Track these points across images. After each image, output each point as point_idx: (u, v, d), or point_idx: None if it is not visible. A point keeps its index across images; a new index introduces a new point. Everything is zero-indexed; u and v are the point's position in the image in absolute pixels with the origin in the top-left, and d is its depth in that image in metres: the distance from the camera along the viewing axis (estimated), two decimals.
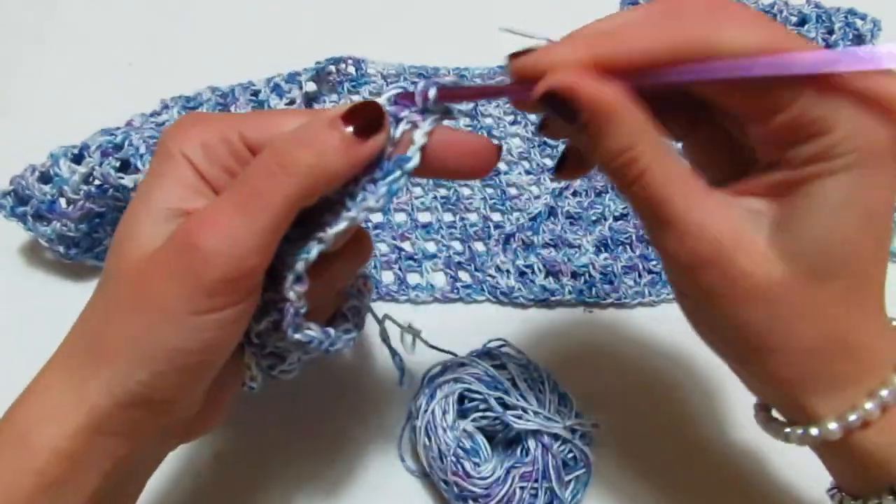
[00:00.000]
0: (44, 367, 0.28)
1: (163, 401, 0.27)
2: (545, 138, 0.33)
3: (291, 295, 0.29)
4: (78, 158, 0.43)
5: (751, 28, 0.25)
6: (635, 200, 0.28)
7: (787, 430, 0.29)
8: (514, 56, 0.28)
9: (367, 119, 0.27)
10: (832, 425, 0.27)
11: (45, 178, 0.44)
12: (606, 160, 0.27)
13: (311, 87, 0.52)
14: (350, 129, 0.27)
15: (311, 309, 0.31)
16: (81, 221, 0.44)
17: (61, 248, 0.45)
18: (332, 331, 0.32)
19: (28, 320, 0.45)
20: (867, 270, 0.27)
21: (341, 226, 0.28)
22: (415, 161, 0.28)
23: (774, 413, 0.31)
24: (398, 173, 0.28)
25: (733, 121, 0.29)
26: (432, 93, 0.28)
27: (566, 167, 0.33)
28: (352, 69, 0.54)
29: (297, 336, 0.30)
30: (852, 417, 0.27)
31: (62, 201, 0.43)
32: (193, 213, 0.27)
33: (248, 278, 0.27)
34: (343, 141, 0.27)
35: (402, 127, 0.29)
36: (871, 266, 0.27)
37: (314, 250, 0.28)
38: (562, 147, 0.33)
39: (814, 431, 0.28)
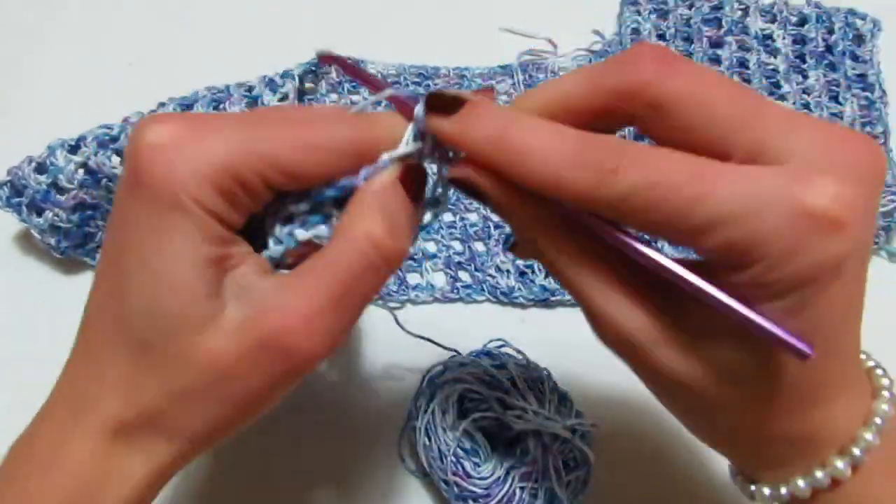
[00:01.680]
0: (73, 435, 0.26)
1: (217, 440, 0.28)
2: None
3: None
4: (74, 149, 0.44)
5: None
6: (554, 279, 0.28)
7: (752, 488, 0.29)
8: (431, 103, 0.26)
9: (418, 180, 0.28)
10: (766, 491, 0.28)
11: (41, 168, 0.44)
12: (519, 244, 0.28)
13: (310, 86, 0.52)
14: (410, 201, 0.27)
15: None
16: (74, 211, 0.44)
17: (52, 241, 0.45)
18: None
19: (21, 314, 0.45)
20: (800, 379, 0.25)
21: (308, 234, 0.27)
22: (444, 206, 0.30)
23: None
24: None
25: None
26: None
27: (518, 249, 0.31)
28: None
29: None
30: (782, 491, 0.27)
31: (56, 191, 0.44)
32: (274, 303, 0.25)
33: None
34: (409, 211, 0.27)
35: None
36: (805, 373, 0.24)
37: (280, 247, 0.27)
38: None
39: (751, 488, 0.28)
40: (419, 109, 0.26)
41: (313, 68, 0.52)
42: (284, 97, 0.49)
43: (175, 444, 0.26)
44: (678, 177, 0.22)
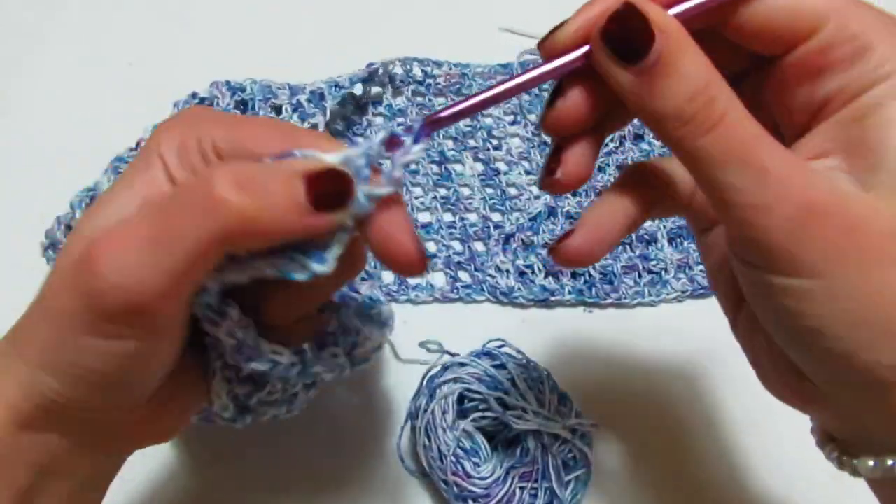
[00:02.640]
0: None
1: (81, 408, 0.26)
2: (547, 135, 0.28)
3: (219, 333, 0.27)
4: (94, 200, 0.43)
5: None
6: (716, 151, 0.23)
7: (870, 463, 0.25)
8: (550, 33, 0.25)
9: (332, 190, 0.24)
10: (870, 462, 0.24)
11: (70, 229, 0.43)
12: (679, 106, 0.23)
13: (357, 88, 0.51)
14: (304, 191, 0.23)
15: (285, 327, 0.29)
16: None
17: None
18: (308, 352, 0.30)
19: None
20: None
21: (243, 276, 0.25)
22: (327, 267, 0.25)
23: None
24: (307, 270, 0.25)
25: (769, 89, 0.26)
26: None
27: (558, 171, 0.27)
28: (399, 69, 0.54)
29: (254, 364, 0.27)
30: (889, 462, 0.24)
31: None
32: (106, 228, 0.24)
33: (151, 316, 0.24)
34: (295, 204, 0.23)
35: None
36: None
37: (212, 292, 0.26)
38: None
39: (854, 462, 0.25)
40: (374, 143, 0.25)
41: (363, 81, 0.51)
42: (314, 128, 0.47)
43: (20, 373, 0.25)
44: None
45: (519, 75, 0.25)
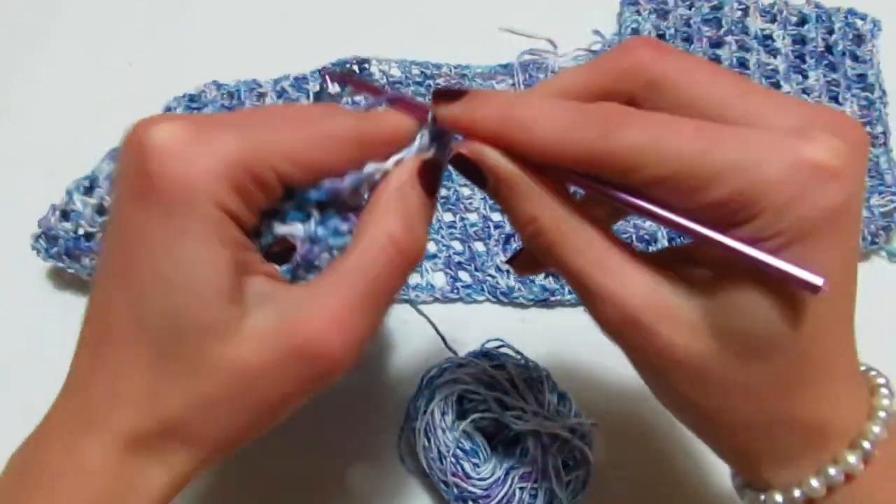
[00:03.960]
0: (84, 447, 0.25)
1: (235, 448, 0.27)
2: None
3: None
4: (89, 190, 0.43)
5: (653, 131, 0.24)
6: (553, 267, 0.27)
7: (761, 497, 0.28)
8: (438, 96, 0.27)
9: (435, 174, 0.28)
10: (777, 498, 0.27)
11: (65, 215, 0.44)
12: (518, 230, 0.27)
13: (334, 89, 0.51)
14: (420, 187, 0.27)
15: None
16: None
17: None
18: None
19: (54, 344, 0.45)
20: (810, 348, 0.24)
21: (285, 229, 0.27)
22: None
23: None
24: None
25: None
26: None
27: (518, 261, 0.34)
28: (355, 68, 0.54)
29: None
30: (796, 494, 0.26)
31: (84, 238, 0.43)
32: (304, 313, 0.25)
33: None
34: (427, 206, 0.28)
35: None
36: (815, 343, 0.24)
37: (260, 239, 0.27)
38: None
39: (762, 497, 0.27)
40: (432, 112, 0.27)
41: (352, 70, 0.52)
42: None
43: (196, 452, 0.26)
44: (684, 131, 0.23)
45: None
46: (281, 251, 0.27)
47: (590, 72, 0.27)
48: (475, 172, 0.26)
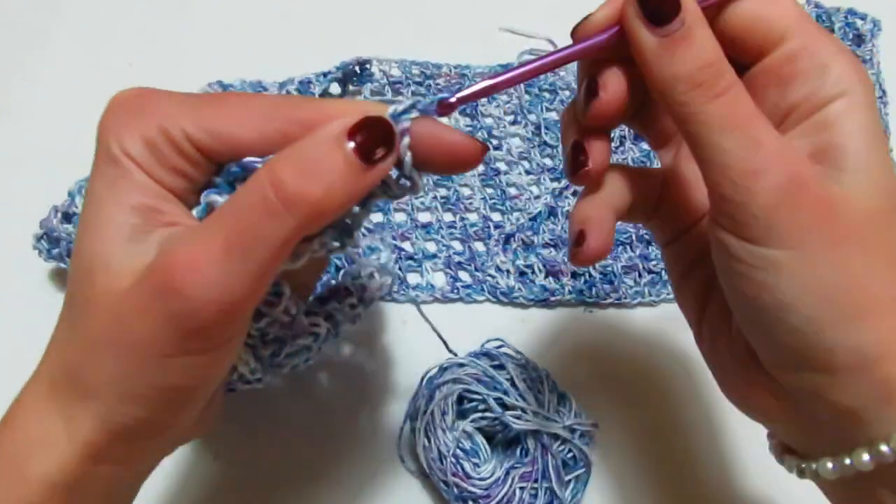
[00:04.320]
0: (23, 394, 0.27)
1: (157, 430, 0.26)
2: (588, 126, 0.30)
3: (275, 312, 0.28)
4: None
5: None
6: (720, 117, 0.25)
7: (818, 464, 0.26)
8: (578, 25, 0.28)
9: (375, 137, 0.24)
10: (829, 464, 0.25)
11: (66, 217, 0.43)
12: (693, 71, 0.25)
13: (334, 88, 0.52)
14: (352, 147, 0.24)
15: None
16: None
17: None
18: (337, 315, 0.32)
19: None
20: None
21: (208, 199, 0.26)
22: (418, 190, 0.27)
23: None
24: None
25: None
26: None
27: (589, 163, 0.29)
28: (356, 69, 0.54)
29: (300, 341, 0.30)
30: (847, 461, 0.25)
31: None
32: (172, 247, 0.24)
33: (235, 321, 0.25)
34: (350, 167, 0.24)
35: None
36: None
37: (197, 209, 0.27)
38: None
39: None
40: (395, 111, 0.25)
41: (354, 73, 0.52)
42: None
43: (96, 416, 0.25)
44: None
45: (553, 53, 0.28)
46: None
47: None
48: (660, 9, 0.25)
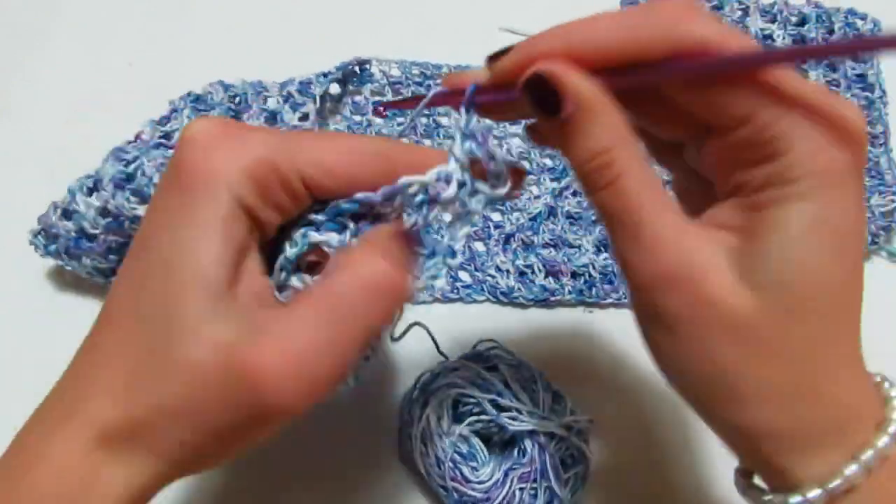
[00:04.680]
0: (58, 431, 0.24)
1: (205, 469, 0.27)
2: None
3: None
4: (93, 191, 0.43)
5: (713, 24, 0.24)
6: (605, 207, 0.26)
7: (767, 497, 0.26)
8: (492, 58, 0.27)
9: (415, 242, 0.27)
10: (814, 493, 0.24)
11: (66, 214, 0.43)
12: (582, 160, 0.26)
13: (334, 88, 0.52)
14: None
15: None
16: (110, 253, 0.43)
17: (101, 280, 0.45)
18: (359, 367, 0.32)
19: (57, 346, 0.45)
20: (840, 305, 0.25)
21: (319, 238, 0.27)
22: (457, 260, 0.29)
23: (756, 479, 0.28)
24: (442, 264, 0.28)
25: (703, 155, 0.28)
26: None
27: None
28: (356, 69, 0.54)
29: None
30: (835, 483, 0.24)
31: (86, 238, 0.43)
32: (260, 338, 0.23)
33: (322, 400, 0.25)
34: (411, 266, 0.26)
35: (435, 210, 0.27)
36: (843, 299, 0.25)
37: (295, 249, 0.27)
38: None
39: (794, 500, 0.25)
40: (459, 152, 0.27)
41: (354, 73, 0.52)
42: (305, 117, 0.47)
43: (156, 463, 0.25)
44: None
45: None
46: (313, 262, 0.27)
47: (620, 30, 0.25)
48: (549, 98, 0.25)
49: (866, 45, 0.23)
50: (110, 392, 0.24)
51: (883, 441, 0.24)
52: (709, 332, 0.25)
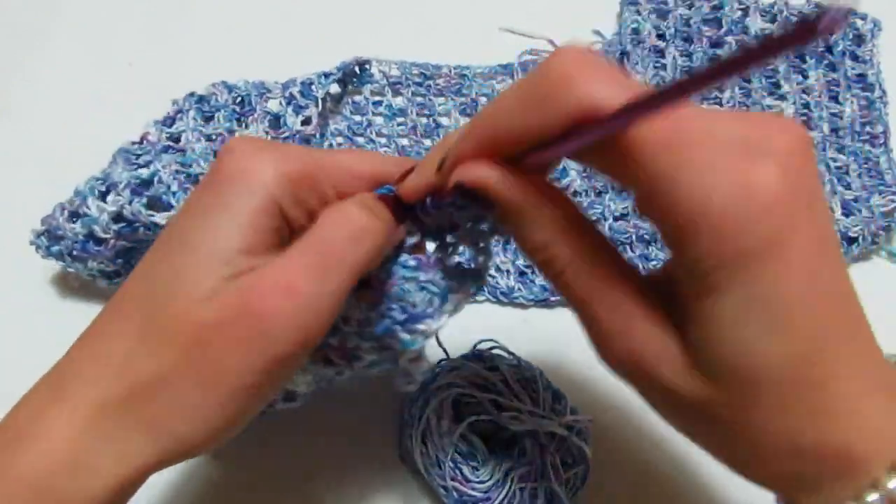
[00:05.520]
0: (54, 407, 0.25)
1: (202, 451, 0.27)
2: None
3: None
4: (104, 195, 0.42)
5: (607, 83, 0.22)
6: (560, 294, 0.27)
7: None
8: (399, 180, 0.29)
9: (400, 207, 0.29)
10: None
11: (74, 216, 0.43)
12: (527, 253, 0.27)
13: (334, 88, 0.52)
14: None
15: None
16: (117, 257, 0.43)
17: (104, 283, 0.45)
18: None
19: (57, 346, 0.45)
20: (799, 376, 0.23)
21: (440, 321, 0.30)
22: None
23: None
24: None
25: None
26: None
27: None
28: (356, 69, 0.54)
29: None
30: None
31: (94, 242, 0.42)
32: (259, 271, 0.25)
33: (317, 341, 0.26)
34: (391, 221, 0.28)
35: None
36: (802, 369, 0.23)
37: (418, 343, 0.30)
38: None
39: None
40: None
41: (354, 73, 0.52)
42: (307, 120, 0.47)
43: (155, 442, 0.25)
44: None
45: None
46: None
47: (518, 112, 0.24)
48: (479, 202, 0.26)
49: (758, 54, 0.18)
50: (108, 367, 0.25)
51: (893, 483, 0.23)
52: (677, 417, 0.26)
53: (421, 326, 0.30)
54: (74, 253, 0.43)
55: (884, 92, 0.53)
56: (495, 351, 0.41)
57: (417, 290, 0.30)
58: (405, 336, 0.30)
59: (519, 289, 0.47)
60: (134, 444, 0.25)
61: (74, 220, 0.43)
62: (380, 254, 0.28)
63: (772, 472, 0.25)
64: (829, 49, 0.54)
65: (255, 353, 0.24)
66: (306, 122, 0.47)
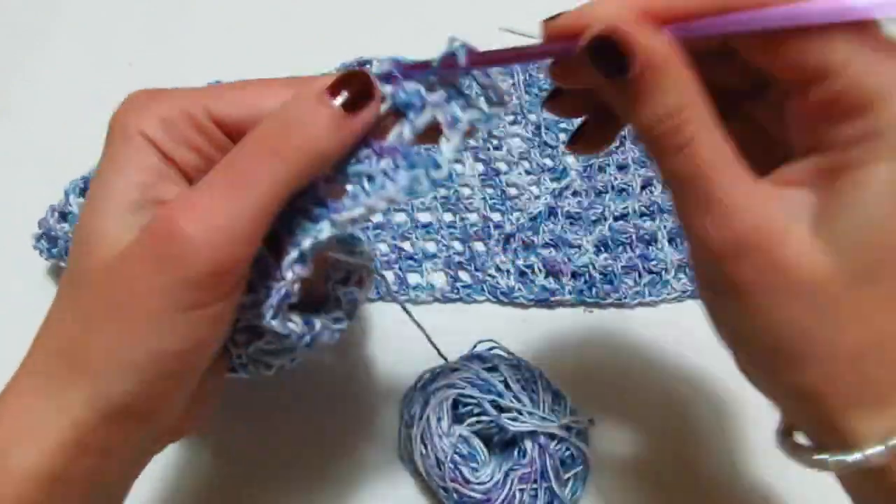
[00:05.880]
0: (11, 381, 0.26)
1: (148, 410, 0.26)
2: (553, 115, 0.32)
3: (289, 275, 0.27)
4: (84, 191, 0.43)
5: None
6: (673, 172, 0.25)
7: (819, 456, 0.25)
8: (549, 19, 0.27)
9: (356, 90, 0.27)
10: (875, 449, 0.23)
11: (63, 216, 0.43)
12: (650, 123, 0.24)
13: None
14: (338, 102, 0.26)
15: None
16: None
17: None
18: (317, 323, 0.30)
19: None
20: None
21: (356, 211, 0.27)
22: (444, 172, 0.27)
23: (799, 438, 0.27)
24: (423, 176, 0.27)
25: (768, 106, 0.27)
26: (461, 56, 0.27)
27: (581, 140, 0.31)
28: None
29: (275, 323, 0.28)
30: (877, 449, 0.23)
31: None
32: (169, 200, 0.25)
33: (236, 269, 0.25)
34: (332, 118, 0.26)
35: (426, 116, 0.27)
36: None
37: (325, 232, 0.26)
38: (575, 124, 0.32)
39: (854, 457, 0.24)
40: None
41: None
42: None
43: (88, 389, 0.24)
44: None
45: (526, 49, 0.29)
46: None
47: None
48: (615, 60, 0.24)
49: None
50: (49, 327, 0.26)
51: None
52: (781, 299, 0.24)
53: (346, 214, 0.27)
54: (66, 252, 0.43)
55: None
56: (495, 351, 0.41)
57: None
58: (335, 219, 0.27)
59: (519, 289, 0.47)
60: (69, 399, 0.25)
61: (64, 220, 0.43)
62: (321, 163, 0.26)
63: (837, 375, 0.24)
64: None
65: (165, 273, 0.24)
66: None
